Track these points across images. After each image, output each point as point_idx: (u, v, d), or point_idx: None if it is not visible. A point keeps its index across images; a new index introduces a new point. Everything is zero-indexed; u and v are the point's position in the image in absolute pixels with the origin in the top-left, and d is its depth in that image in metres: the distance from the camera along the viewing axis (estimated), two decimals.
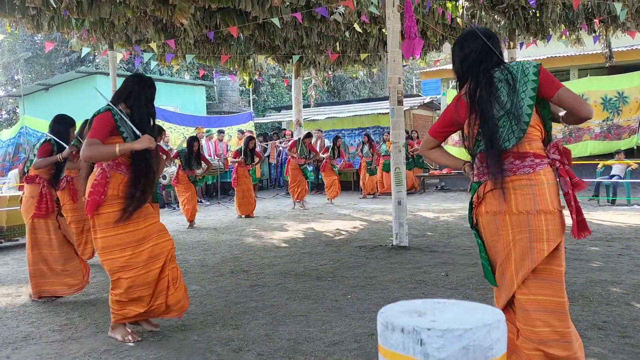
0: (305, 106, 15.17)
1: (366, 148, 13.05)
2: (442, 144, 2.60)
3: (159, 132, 9.13)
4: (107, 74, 12.26)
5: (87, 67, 21.00)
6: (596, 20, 8.75)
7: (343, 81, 28.71)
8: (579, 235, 2.31)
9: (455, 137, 15.05)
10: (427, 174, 14.91)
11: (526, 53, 12.72)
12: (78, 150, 5.64)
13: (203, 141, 13.67)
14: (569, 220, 2.29)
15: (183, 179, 8.75)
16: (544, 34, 9.48)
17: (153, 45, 8.77)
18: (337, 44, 10.06)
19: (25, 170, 4.64)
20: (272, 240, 7.23)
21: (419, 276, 4.79)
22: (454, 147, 15.16)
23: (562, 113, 2.37)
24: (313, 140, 14.15)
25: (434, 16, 8.33)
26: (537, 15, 8.94)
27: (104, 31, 8.14)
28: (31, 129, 14.82)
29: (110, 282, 3.39)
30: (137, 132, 3.33)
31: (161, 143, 11.20)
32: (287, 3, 7.14)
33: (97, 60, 22.70)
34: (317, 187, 14.98)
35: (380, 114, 16.05)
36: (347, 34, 9.23)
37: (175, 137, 14.13)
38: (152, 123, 3.50)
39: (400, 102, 6.28)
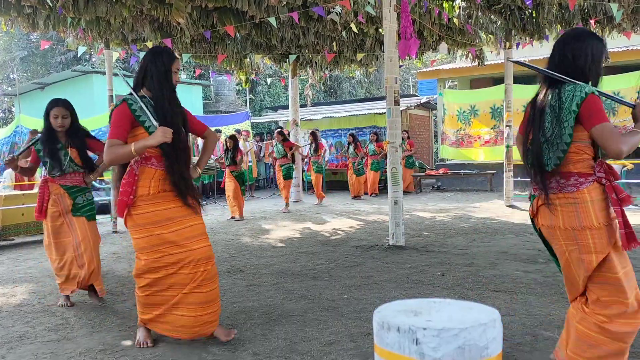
0: (302, 106, 15.16)
1: (351, 148, 12.96)
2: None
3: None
4: (103, 73, 12.22)
5: (83, 66, 20.93)
6: (592, 21, 8.76)
7: (340, 81, 28.71)
8: (628, 247, 2.45)
9: (453, 138, 15.10)
10: (423, 174, 14.93)
11: (522, 53, 12.74)
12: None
13: (200, 140, 13.65)
14: None
15: None
16: (540, 35, 9.49)
17: (149, 44, 8.74)
18: (334, 43, 10.05)
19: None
20: (269, 240, 7.22)
21: (415, 276, 4.80)
22: (450, 147, 15.21)
23: None
24: (307, 141, 14.14)
25: (431, 16, 8.33)
26: (534, 15, 8.95)
27: (100, 30, 8.10)
28: (27, 127, 14.77)
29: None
30: (154, 122, 3.00)
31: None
32: (284, 2, 7.13)
33: (93, 59, 22.63)
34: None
35: (376, 113, 16.06)
36: (343, 33, 9.22)
37: None
38: (171, 105, 3.08)
39: (396, 102, 6.29)
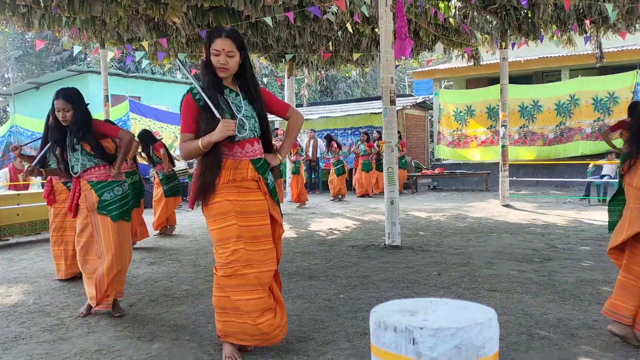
0: (298, 105, 15.18)
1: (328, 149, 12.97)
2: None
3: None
4: (99, 73, 12.19)
5: (78, 65, 20.88)
6: (587, 21, 8.80)
7: (336, 81, 28.73)
8: None
9: (449, 138, 15.13)
10: (419, 174, 14.96)
11: (518, 53, 12.79)
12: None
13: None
14: None
15: None
16: (536, 35, 9.53)
17: (145, 44, 8.73)
18: (330, 43, 10.06)
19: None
20: None
21: (411, 275, 4.80)
22: (447, 147, 15.23)
23: None
24: (306, 140, 14.15)
25: (427, 16, 8.35)
26: (529, 15, 8.98)
27: (96, 29, 8.08)
28: (21, 127, 14.73)
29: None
30: (217, 115, 2.81)
31: None
32: (280, 2, 7.12)
33: (89, 59, 22.57)
34: (310, 187, 14.98)
35: (372, 113, 16.08)
36: (339, 33, 9.23)
37: (167, 136, 14.09)
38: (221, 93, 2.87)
39: (392, 102, 6.29)
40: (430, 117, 20.01)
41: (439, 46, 9.77)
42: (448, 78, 17.80)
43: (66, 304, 4.31)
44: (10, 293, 4.77)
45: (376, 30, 8.97)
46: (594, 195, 10.18)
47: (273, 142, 3.20)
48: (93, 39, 8.67)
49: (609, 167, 10.15)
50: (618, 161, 10.07)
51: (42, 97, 17.41)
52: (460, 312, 1.14)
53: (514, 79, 13.16)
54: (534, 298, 3.95)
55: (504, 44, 9.91)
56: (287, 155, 11.74)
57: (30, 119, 15.08)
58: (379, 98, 17.39)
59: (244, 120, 2.90)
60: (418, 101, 18.18)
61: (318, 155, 14.78)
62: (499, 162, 10.27)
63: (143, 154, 8.16)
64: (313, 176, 15.39)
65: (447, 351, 1.04)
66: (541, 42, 9.88)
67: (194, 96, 2.86)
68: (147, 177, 11.83)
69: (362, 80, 30.07)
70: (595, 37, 9.77)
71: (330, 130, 16.56)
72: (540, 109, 13.61)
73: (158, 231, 7.98)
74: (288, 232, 7.80)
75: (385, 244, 6.29)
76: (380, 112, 6.60)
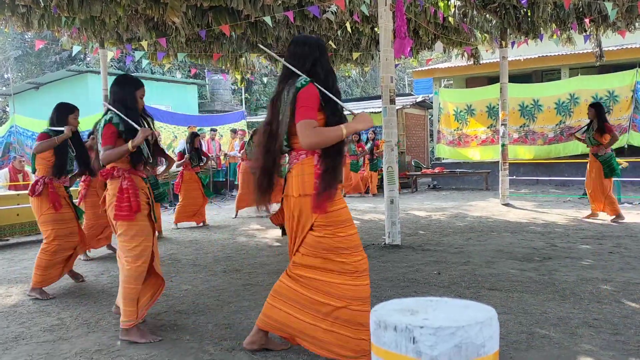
0: None
1: None
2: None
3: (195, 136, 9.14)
4: (98, 73, 12.18)
5: (78, 65, 20.87)
6: (587, 20, 8.79)
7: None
8: None
9: (449, 137, 15.13)
10: (419, 173, 14.95)
11: (518, 52, 12.78)
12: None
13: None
14: None
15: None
16: (536, 33, 9.52)
17: (144, 43, 8.72)
18: (330, 42, 10.05)
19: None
20: (265, 239, 7.22)
21: (411, 275, 4.80)
22: (447, 146, 15.23)
23: None
24: None
25: (426, 15, 8.34)
26: (529, 14, 8.98)
27: (95, 29, 8.07)
28: (21, 127, 14.72)
29: None
30: (347, 108, 2.85)
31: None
32: (280, 2, 7.12)
33: (88, 59, 22.57)
34: None
35: (372, 112, 16.06)
36: (339, 32, 9.22)
37: (166, 136, 14.08)
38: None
39: (392, 101, 6.29)
40: (430, 116, 20.01)
41: (439, 45, 9.76)
42: (448, 77, 17.80)
43: (66, 304, 4.31)
44: (10, 293, 4.77)
45: (376, 29, 8.97)
46: None
47: None
48: (92, 38, 8.66)
49: None
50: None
51: (42, 97, 17.41)
52: (460, 311, 1.14)
53: (514, 78, 13.14)
54: (534, 297, 3.95)
55: (503, 42, 9.91)
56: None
57: (30, 119, 15.07)
58: (378, 97, 17.37)
59: None
60: (418, 100, 18.18)
61: None
62: (499, 161, 10.27)
63: None
64: None
65: (447, 350, 1.04)
66: (541, 40, 9.88)
67: (316, 87, 2.75)
68: None
69: (361, 79, 30.07)
70: (595, 36, 9.77)
71: None
72: (540, 108, 13.61)
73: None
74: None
75: (385, 243, 6.29)
76: (380, 111, 6.59)
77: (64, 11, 6.87)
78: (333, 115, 2.76)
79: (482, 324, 1.07)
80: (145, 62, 10.20)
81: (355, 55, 10.81)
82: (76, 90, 16.37)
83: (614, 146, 10.78)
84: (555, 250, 5.67)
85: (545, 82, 14.89)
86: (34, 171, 4.73)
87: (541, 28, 9.37)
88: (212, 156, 13.03)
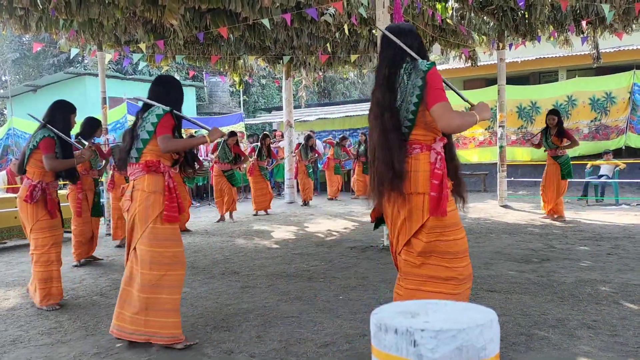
0: (295, 107, 15.16)
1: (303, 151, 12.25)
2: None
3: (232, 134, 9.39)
4: (96, 75, 12.18)
5: (76, 68, 20.86)
6: (584, 22, 8.82)
7: (333, 82, 28.75)
8: None
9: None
10: None
11: (515, 54, 12.81)
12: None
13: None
14: None
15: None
16: (533, 35, 9.54)
17: (142, 46, 8.72)
18: (328, 45, 10.06)
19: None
20: (263, 242, 7.21)
21: None
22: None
23: None
24: (302, 142, 14.08)
25: (424, 17, 8.35)
26: (526, 16, 9.00)
27: (93, 32, 8.07)
28: (19, 130, 14.69)
29: None
30: (463, 97, 2.77)
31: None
32: (277, 4, 7.12)
33: (86, 61, 22.55)
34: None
35: None
36: (337, 35, 9.23)
37: None
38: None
39: None
40: None
41: (437, 47, 9.77)
42: (445, 79, 17.83)
43: (64, 307, 4.29)
44: (8, 296, 4.76)
45: (373, 31, 8.98)
46: (592, 195, 10.20)
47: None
48: (90, 41, 8.66)
49: (607, 167, 10.17)
50: (616, 161, 10.12)
51: (40, 99, 17.39)
52: (460, 314, 1.14)
53: (511, 80, 13.15)
54: (532, 298, 3.96)
55: (501, 44, 9.93)
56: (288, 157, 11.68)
57: (28, 121, 15.05)
58: None
59: None
60: None
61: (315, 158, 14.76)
62: (496, 163, 10.29)
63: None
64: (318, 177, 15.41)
65: (448, 353, 1.04)
66: (539, 42, 9.90)
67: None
68: None
69: (359, 81, 30.09)
70: (592, 38, 9.79)
71: (328, 132, 16.56)
72: (538, 109, 13.63)
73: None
74: (286, 234, 7.79)
75: (384, 245, 6.29)
76: None
77: (62, 13, 6.87)
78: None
79: (482, 327, 1.07)
80: (143, 64, 10.20)
81: (353, 57, 10.82)
82: (74, 92, 16.35)
83: (612, 147, 10.78)
84: (554, 252, 5.67)
85: (543, 84, 14.92)
86: (23, 173, 4.43)
87: (538, 30, 9.39)
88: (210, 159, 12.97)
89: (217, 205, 9.59)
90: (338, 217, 9.52)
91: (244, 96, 23.05)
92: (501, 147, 10.12)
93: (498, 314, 1.22)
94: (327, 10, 7.73)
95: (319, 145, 14.41)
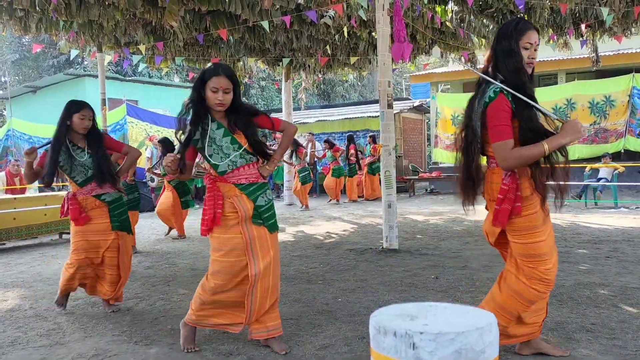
0: (295, 109, 15.18)
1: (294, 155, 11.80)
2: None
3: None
4: (96, 76, 12.18)
5: (76, 69, 20.86)
6: (583, 25, 8.83)
7: (333, 84, 28.78)
8: None
9: (447, 141, 15.15)
10: (416, 177, 14.96)
11: None
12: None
13: None
14: None
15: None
16: None
17: (142, 47, 8.73)
18: (327, 47, 10.07)
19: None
20: None
21: (409, 279, 4.80)
22: (444, 151, 15.25)
23: None
24: (304, 143, 14.08)
25: (424, 20, 8.37)
26: (526, 19, 9.01)
27: (93, 33, 8.08)
28: (18, 131, 14.70)
29: None
30: (553, 115, 2.63)
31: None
32: (277, 6, 7.13)
33: (86, 63, 22.56)
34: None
35: (370, 117, 16.09)
36: (337, 37, 9.24)
37: None
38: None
39: (390, 106, 6.30)
40: (427, 121, 20.04)
41: (436, 50, 9.79)
42: (445, 81, 17.84)
43: (63, 309, 4.29)
44: (6, 298, 4.75)
45: (373, 34, 8.99)
46: (591, 198, 10.21)
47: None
48: (90, 42, 8.67)
49: (605, 170, 10.18)
50: (614, 164, 10.13)
51: (39, 100, 17.39)
52: (460, 317, 1.14)
53: None
54: None
55: None
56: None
57: (27, 122, 15.05)
58: (376, 101, 17.40)
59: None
60: (415, 105, 18.21)
61: (315, 159, 14.72)
62: None
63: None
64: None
65: (447, 356, 1.04)
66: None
67: (506, 96, 2.56)
68: (144, 180, 11.80)
69: (359, 83, 30.13)
70: (591, 41, 9.81)
71: (328, 134, 16.57)
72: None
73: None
74: (285, 236, 7.79)
75: (382, 248, 6.29)
76: (378, 116, 6.60)
77: (62, 15, 6.87)
78: (529, 121, 2.56)
79: (482, 330, 1.07)
80: (142, 65, 10.21)
81: (353, 59, 10.84)
82: (74, 94, 16.33)
83: (611, 150, 10.78)
84: None
85: (542, 87, 14.93)
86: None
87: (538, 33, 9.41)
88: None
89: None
90: (337, 219, 9.52)
91: (244, 98, 23.06)
92: None
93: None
94: (326, 12, 7.74)
95: (317, 146, 14.23)
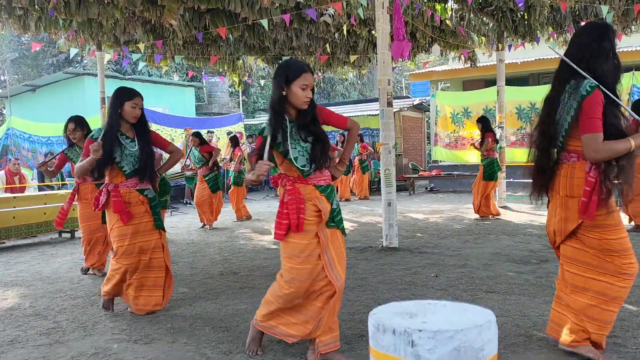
0: None
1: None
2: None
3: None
4: (95, 75, 12.16)
5: (75, 68, 20.84)
6: (583, 23, 8.82)
7: (333, 83, 28.77)
8: None
9: (446, 139, 15.15)
10: (416, 176, 14.96)
11: (514, 55, 12.81)
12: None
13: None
14: None
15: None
16: (532, 37, 9.55)
17: (141, 46, 8.72)
18: (327, 45, 10.06)
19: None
20: (262, 242, 7.20)
21: (408, 277, 4.80)
22: (444, 149, 15.25)
23: None
24: None
25: (423, 18, 8.36)
26: (525, 17, 9.00)
27: (92, 32, 8.07)
28: (18, 130, 14.69)
29: None
30: (631, 114, 2.79)
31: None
32: (277, 4, 7.12)
33: (85, 61, 22.53)
34: None
35: (369, 115, 16.08)
36: (336, 35, 9.23)
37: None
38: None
39: (389, 104, 6.29)
40: (427, 119, 20.03)
41: (436, 48, 9.78)
42: (445, 80, 17.83)
43: (62, 307, 4.29)
44: (6, 296, 4.75)
45: (373, 32, 8.99)
46: None
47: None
48: (89, 41, 8.66)
49: None
50: None
51: (39, 99, 17.37)
52: (459, 315, 1.13)
53: (511, 81, 13.15)
54: (531, 299, 3.95)
55: (500, 45, 9.93)
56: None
57: (27, 121, 15.03)
58: (375, 100, 17.39)
59: None
60: (415, 103, 18.20)
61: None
62: None
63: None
64: None
65: (446, 354, 1.04)
66: (537, 43, 9.91)
67: (601, 92, 2.65)
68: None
69: (359, 82, 30.11)
70: None
71: (327, 132, 16.53)
72: (538, 111, 13.64)
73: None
74: None
75: (382, 246, 6.29)
76: (377, 114, 6.60)
77: (61, 13, 6.86)
78: (614, 117, 2.68)
79: (481, 328, 1.07)
80: (142, 64, 10.20)
81: (353, 57, 10.83)
82: (73, 92, 16.33)
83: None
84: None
85: (542, 85, 14.92)
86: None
87: (538, 31, 9.40)
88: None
89: (199, 213, 8.84)
90: None
91: (243, 97, 23.04)
92: (500, 148, 10.12)
93: (496, 315, 1.21)
94: (326, 10, 7.73)
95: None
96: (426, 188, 15.30)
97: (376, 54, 6.67)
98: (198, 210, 8.80)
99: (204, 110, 21.84)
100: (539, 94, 15.11)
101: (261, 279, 5.00)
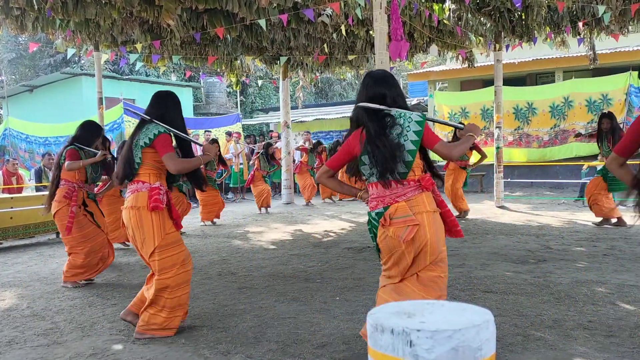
0: (292, 108, 15.17)
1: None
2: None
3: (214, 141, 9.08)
4: (93, 75, 12.15)
5: (72, 68, 20.79)
6: (580, 23, 8.84)
7: (331, 83, 28.75)
8: None
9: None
10: None
11: (512, 55, 12.83)
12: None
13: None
14: None
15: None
16: (530, 37, 9.57)
17: (139, 46, 8.71)
18: (325, 45, 10.06)
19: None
20: (260, 242, 7.20)
21: None
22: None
23: None
24: (300, 142, 14.06)
25: (421, 18, 8.36)
26: (523, 17, 9.02)
27: (90, 32, 8.05)
28: (15, 130, 14.66)
29: None
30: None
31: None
32: (275, 4, 7.12)
33: (82, 62, 22.49)
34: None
35: None
36: (334, 35, 9.23)
37: None
38: None
39: None
40: None
41: (434, 48, 9.79)
42: (442, 80, 17.84)
43: (60, 308, 4.28)
44: (3, 297, 4.74)
45: (370, 32, 8.99)
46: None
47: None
48: (87, 41, 8.64)
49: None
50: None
51: (36, 99, 17.34)
52: (457, 314, 1.14)
53: (508, 81, 13.18)
54: (529, 299, 3.96)
55: (498, 45, 9.94)
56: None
57: (24, 122, 15.00)
58: None
59: None
60: (413, 103, 18.21)
61: None
62: (493, 164, 10.30)
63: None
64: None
65: (444, 353, 1.04)
66: (534, 44, 9.92)
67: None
68: None
69: (356, 82, 30.09)
70: (588, 39, 9.82)
71: (326, 132, 16.56)
72: (535, 111, 13.66)
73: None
74: (283, 234, 7.79)
75: None
76: None
77: (59, 14, 6.85)
78: None
79: (479, 327, 1.07)
80: (139, 64, 10.19)
81: (351, 57, 10.83)
82: (70, 93, 16.30)
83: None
84: (550, 253, 5.68)
85: (540, 85, 14.95)
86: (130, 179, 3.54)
87: (535, 31, 9.41)
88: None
89: (202, 215, 9.09)
90: (335, 218, 9.52)
91: (241, 97, 23.02)
92: (498, 148, 10.14)
93: (494, 315, 1.22)
94: (324, 11, 7.73)
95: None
96: None
97: (374, 54, 6.66)
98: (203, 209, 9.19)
99: (202, 111, 21.82)
100: (536, 94, 15.17)
101: (259, 279, 5.00)
